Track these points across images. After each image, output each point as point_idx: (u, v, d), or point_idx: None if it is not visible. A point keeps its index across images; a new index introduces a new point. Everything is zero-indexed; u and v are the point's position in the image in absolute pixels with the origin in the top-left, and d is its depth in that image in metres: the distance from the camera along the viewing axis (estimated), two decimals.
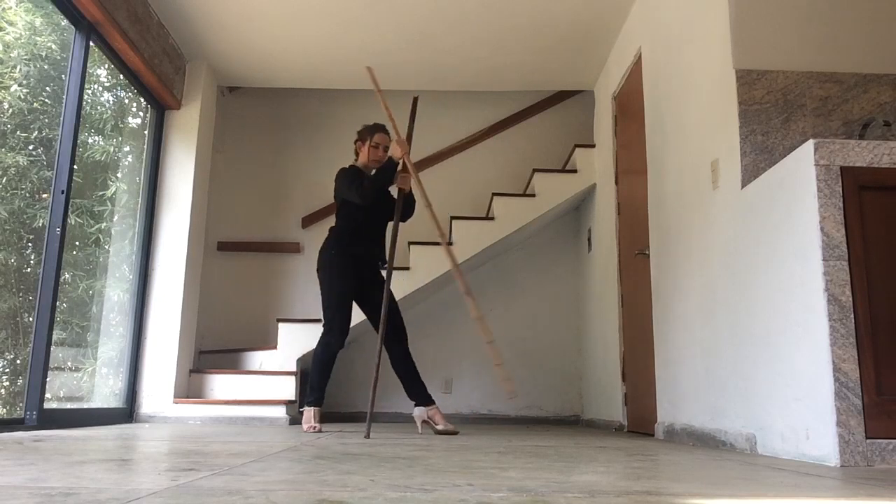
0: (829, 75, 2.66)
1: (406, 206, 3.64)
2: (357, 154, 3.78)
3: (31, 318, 3.28)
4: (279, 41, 4.46)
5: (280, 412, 4.22)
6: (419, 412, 3.50)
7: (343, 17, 4.18)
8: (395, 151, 3.52)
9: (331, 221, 5.33)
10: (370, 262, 3.69)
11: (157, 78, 4.13)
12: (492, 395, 5.15)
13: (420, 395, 3.52)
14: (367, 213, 3.64)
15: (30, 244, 3.55)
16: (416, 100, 3.66)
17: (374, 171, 3.64)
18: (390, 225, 3.62)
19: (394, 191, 3.70)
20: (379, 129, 3.71)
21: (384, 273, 3.57)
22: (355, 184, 3.54)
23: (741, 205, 2.58)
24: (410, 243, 4.75)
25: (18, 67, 3.45)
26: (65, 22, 3.45)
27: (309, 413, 3.53)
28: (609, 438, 3.22)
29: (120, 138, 4.37)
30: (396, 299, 3.75)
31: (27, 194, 3.46)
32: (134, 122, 4.55)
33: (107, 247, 4.22)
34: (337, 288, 3.57)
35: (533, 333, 5.23)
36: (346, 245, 3.62)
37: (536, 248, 5.36)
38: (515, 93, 5.43)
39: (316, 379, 3.56)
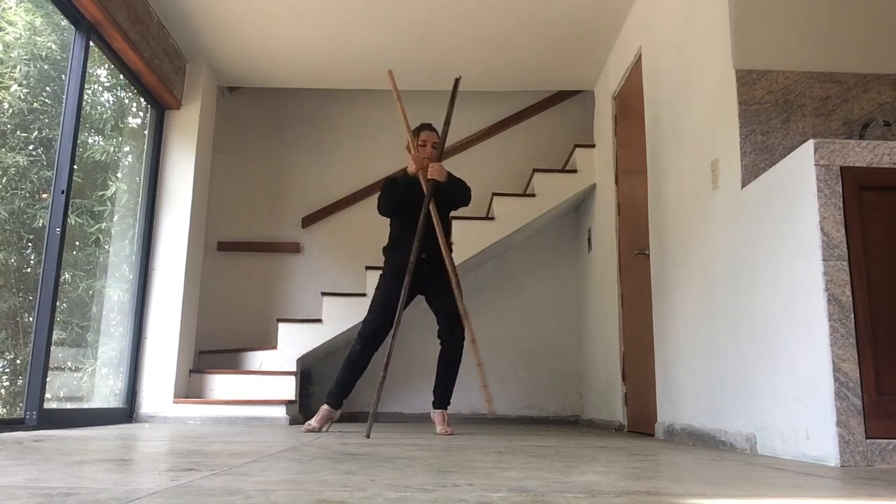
0: (829, 75, 2.66)
1: (453, 193, 3.60)
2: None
3: (31, 318, 3.28)
4: (279, 41, 4.46)
5: (280, 412, 4.22)
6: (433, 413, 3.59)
7: (343, 17, 4.18)
8: (410, 166, 3.55)
9: (332, 221, 5.41)
10: (427, 262, 3.54)
11: (157, 78, 4.13)
12: (492, 396, 5.14)
13: (437, 395, 3.58)
14: (405, 223, 3.57)
15: (30, 244, 3.55)
16: (457, 81, 3.62)
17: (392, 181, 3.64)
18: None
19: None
20: (424, 127, 3.66)
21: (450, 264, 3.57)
22: (380, 195, 3.61)
23: (741, 205, 2.58)
24: None
25: (18, 67, 3.45)
26: (65, 22, 3.45)
27: (321, 413, 3.53)
28: (609, 438, 3.22)
29: (120, 138, 4.37)
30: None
31: (27, 194, 3.46)
32: (134, 122, 4.55)
33: (107, 247, 4.22)
34: (376, 297, 3.59)
35: (533, 333, 5.23)
36: (390, 255, 3.63)
37: (536, 248, 5.36)
38: (515, 93, 5.43)
39: (336, 380, 3.57)
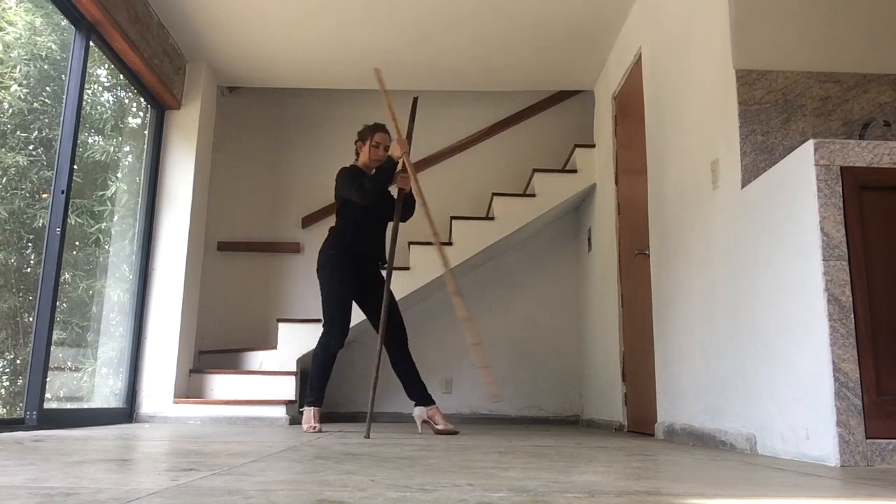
0: (829, 75, 2.66)
1: (406, 206, 3.65)
2: (357, 154, 3.79)
3: (31, 318, 3.28)
4: (279, 41, 4.46)
5: (280, 412, 4.22)
6: (419, 412, 3.51)
7: (343, 17, 4.18)
8: (394, 150, 3.54)
9: (331, 221, 5.38)
10: (370, 262, 3.69)
11: (157, 78, 4.13)
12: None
13: (420, 395, 3.52)
14: (366, 213, 3.64)
15: (30, 244, 3.55)
16: (415, 100, 3.68)
17: (374, 171, 3.65)
18: (391, 225, 3.63)
19: (394, 191, 3.71)
20: (379, 128, 3.72)
21: (384, 273, 3.58)
22: (356, 183, 3.54)
23: (741, 205, 2.58)
24: (410, 243, 4.75)
25: (18, 67, 3.45)
26: (65, 22, 3.45)
27: (309, 413, 3.53)
28: (609, 438, 3.22)
29: (120, 138, 4.37)
30: (396, 299, 3.76)
31: (27, 194, 3.46)
32: (134, 122, 4.55)
33: (107, 247, 4.22)
34: (336, 288, 3.57)
35: (533, 333, 5.23)
36: (346, 245, 3.62)
37: (536, 248, 5.36)
38: (515, 93, 5.43)
39: (315, 379, 3.56)
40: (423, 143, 5.17)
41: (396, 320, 3.57)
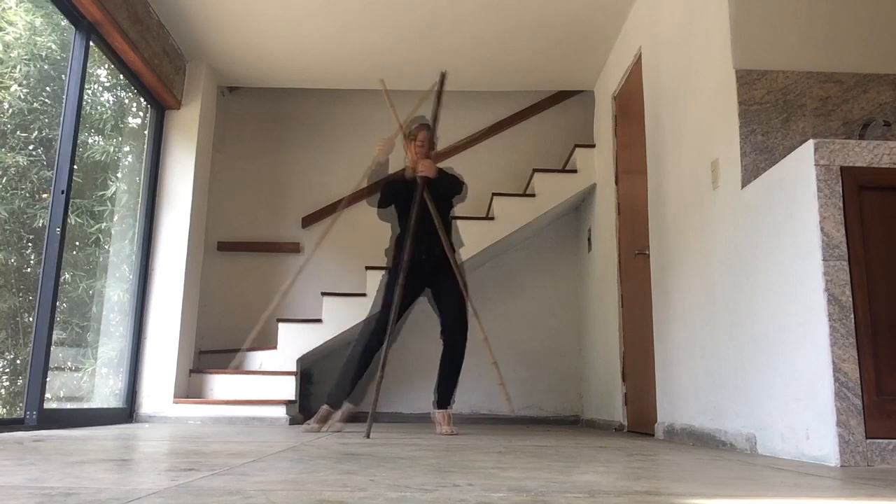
0: (829, 75, 2.66)
1: (446, 188, 3.59)
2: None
3: (31, 318, 3.28)
4: (279, 41, 4.46)
5: (280, 412, 4.22)
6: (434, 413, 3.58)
7: (343, 17, 4.19)
8: (380, 154, 3.60)
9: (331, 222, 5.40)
10: (428, 261, 3.57)
11: (157, 78, 4.13)
12: (492, 395, 5.14)
13: (437, 395, 3.57)
14: (408, 215, 3.52)
15: (30, 244, 3.55)
16: (443, 75, 3.60)
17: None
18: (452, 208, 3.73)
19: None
20: (421, 126, 3.66)
21: (453, 259, 3.56)
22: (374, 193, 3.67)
23: (741, 205, 2.58)
24: None
25: (18, 67, 3.45)
26: (65, 22, 3.45)
27: (322, 413, 3.52)
28: (609, 438, 3.22)
29: (120, 138, 4.37)
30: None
31: (27, 194, 3.46)
32: (134, 122, 4.55)
33: (107, 247, 4.22)
34: (383, 291, 3.59)
35: (533, 333, 5.23)
36: (401, 247, 3.56)
37: (536, 248, 5.36)
38: (515, 93, 5.43)
39: (343, 376, 3.55)
40: None
41: (455, 313, 3.58)
